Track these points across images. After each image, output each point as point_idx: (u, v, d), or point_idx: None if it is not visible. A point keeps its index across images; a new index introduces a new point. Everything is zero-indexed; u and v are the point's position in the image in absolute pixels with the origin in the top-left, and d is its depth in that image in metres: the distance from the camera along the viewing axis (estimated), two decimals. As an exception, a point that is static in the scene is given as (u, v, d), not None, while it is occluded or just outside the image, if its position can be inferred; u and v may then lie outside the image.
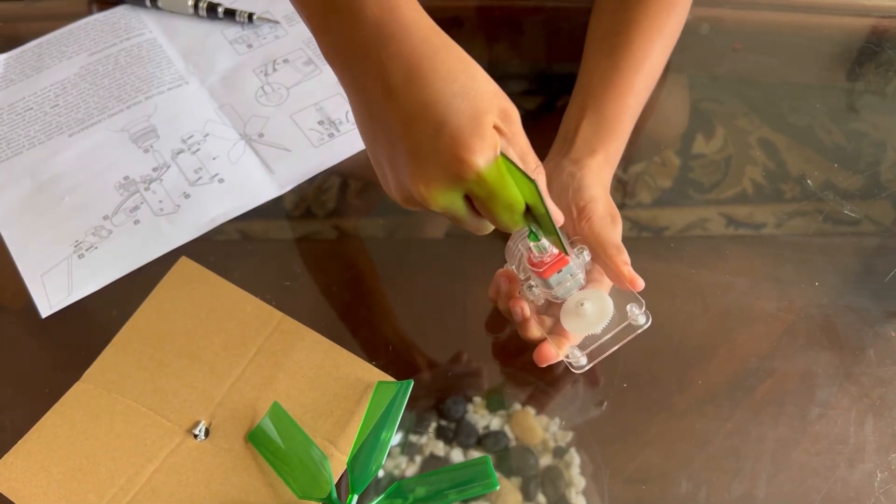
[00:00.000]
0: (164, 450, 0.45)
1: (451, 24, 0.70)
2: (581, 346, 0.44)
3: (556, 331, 0.44)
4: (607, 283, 0.45)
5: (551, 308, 0.46)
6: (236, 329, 0.49)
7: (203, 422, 0.46)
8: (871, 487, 0.44)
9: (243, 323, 0.50)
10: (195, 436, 0.45)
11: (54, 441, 0.45)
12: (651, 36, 0.53)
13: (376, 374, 0.48)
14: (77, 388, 0.47)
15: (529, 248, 0.42)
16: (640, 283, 0.42)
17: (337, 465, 0.44)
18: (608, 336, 0.43)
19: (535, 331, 0.44)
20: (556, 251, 0.42)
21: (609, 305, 0.42)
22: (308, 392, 0.47)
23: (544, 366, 0.44)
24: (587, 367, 0.43)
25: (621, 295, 0.43)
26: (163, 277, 0.52)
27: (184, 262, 0.52)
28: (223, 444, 0.45)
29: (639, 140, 0.60)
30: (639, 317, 0.43)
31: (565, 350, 0.44)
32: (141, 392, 0.47)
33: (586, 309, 0.42)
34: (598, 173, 0.47)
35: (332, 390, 0.47)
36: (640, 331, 0.43)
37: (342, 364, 0.48)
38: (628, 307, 0.43)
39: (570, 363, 0.43)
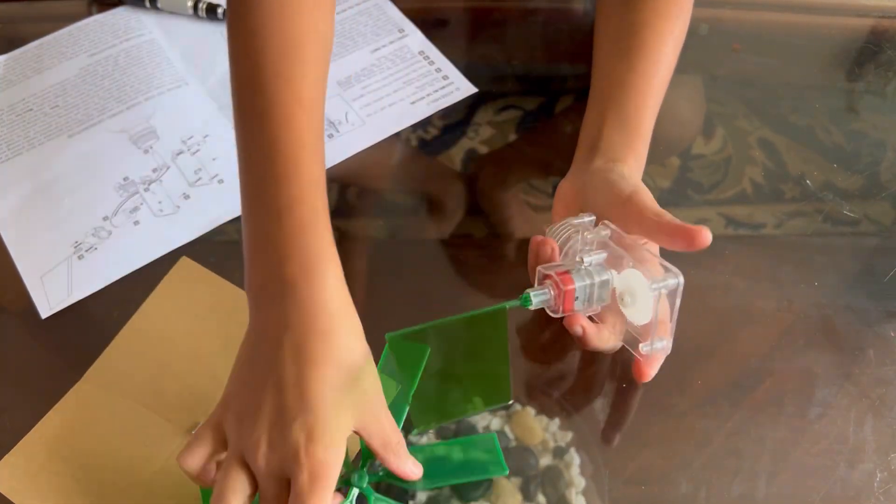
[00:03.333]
0: (165, 450, 0.45)
1: (448, 25, 0.70)
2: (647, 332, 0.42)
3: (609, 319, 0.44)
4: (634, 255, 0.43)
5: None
6: (237, 329, 0.49)
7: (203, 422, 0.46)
8: (870, 488, 0.44)
9: (244, 323, 0.49)
10: None
11: (55, 441, 0.45)
12: (664, 36, 0.53)
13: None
14: (78, 388, 0.47)
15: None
16: (705, 236, 0.39)
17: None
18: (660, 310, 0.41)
19: (601, 341, 0.43)
20: (552, 294, 0.41)
21: (643, 286, 0.41)
22: None
23: (648, 378, 0.43)
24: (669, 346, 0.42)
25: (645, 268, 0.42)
26: (163, 278, 0.52)
27: (184, 262, 0.52)
28: None
29: (650, 145, 0.60)
30: (668, 282, 0.40)
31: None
32: (142, 392, 0.47)
33: (627, 301, 0.41)
34: (631, 174, 0.47)
35: None
36: (680, 288, 0.40)
37: None
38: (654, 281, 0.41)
39: (657, 351, 0.42)
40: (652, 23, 0.53)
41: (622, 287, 0.42)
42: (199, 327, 0.49)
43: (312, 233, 0.37)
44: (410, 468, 0.38)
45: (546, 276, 0.42)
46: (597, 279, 0.42)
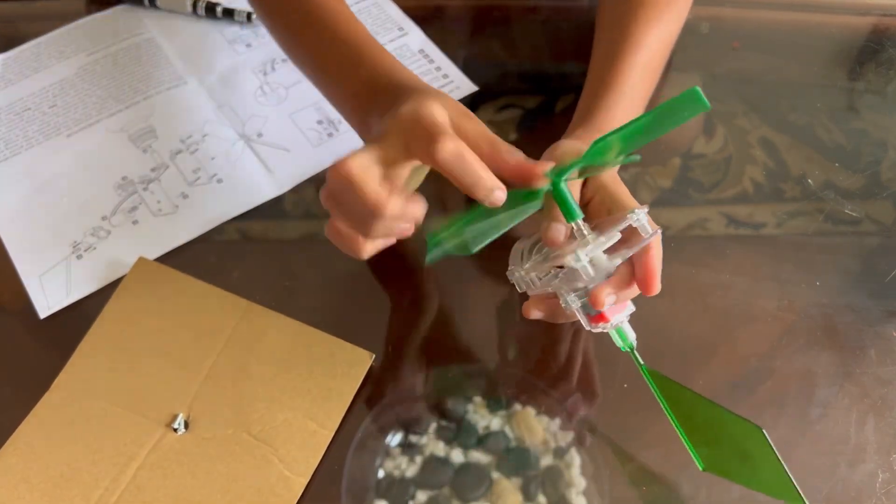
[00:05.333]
0: (145, 447, 0.45)
1: (450, 23, 0.70)
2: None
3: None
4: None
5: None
6: (203, 321, 0.50)
7: (181, 415, 0.46)
8: (872, 488, 0.44)
9: (209, 315, 0.50)
10: (175, 430, 0.45)
11: (31, 452, 0.45)
12: (648, 22, 0.53)
13: (348, 349, 0.48)
14: (47, 397, 0.47)
15: (579, 308, 0.41)
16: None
17: (320, 441, 0.45)
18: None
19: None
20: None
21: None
22: (283, 374, 0.47)
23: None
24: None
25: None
26: (122, 280, 0.51)
27: (142, 262, 0.52)
28: (205, 434, 0.45)
29: (650, 144, 0.59)
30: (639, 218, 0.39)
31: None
32: (115, 393, 0.47)
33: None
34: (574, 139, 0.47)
35: (306, 369, 0.47)
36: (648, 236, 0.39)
37: (314, 343, 0.48)
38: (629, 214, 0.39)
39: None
40: (637, 12, 0.53)
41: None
42: (165, 323, 0.49)
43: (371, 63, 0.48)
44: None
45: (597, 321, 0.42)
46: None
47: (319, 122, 0.61)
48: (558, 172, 0.39)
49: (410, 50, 0.66)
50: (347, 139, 0.60)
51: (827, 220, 0.56)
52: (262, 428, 0.45)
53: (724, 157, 0.60)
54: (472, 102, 0.62)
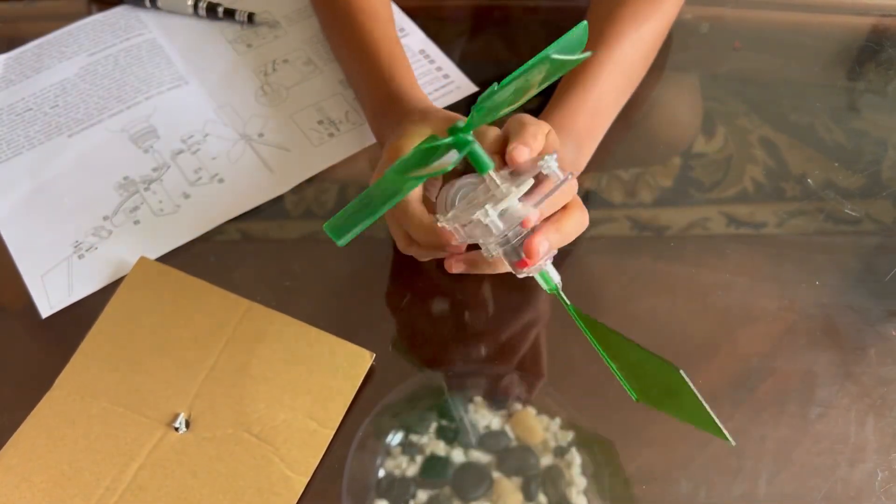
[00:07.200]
0: (146, 446, 0.45)
1: (450, 23, 0.70)
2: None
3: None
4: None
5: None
6: (204, 321, 0.50)
7: (182, 414, 0.46)
8: (871, 487, 0.44)
9: (210, 314, 0.50)
10: (176, 429, 0.46)
11: (33, 451, 0.45)
12: (625, 21, 0.54)
13: (349, 349, 0.48)
14: (49, 396, 0.47)
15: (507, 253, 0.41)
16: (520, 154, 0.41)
17: (320, 440, 0.45)
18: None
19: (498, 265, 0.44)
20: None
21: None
22: (284, 373, 0.47)
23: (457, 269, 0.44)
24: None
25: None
26: (123, 279, 0.52)
27: (143, 261, 0.52)
28: (205, 434, 0.45)
29: (650, 143, 0.60)
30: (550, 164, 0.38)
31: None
32: (116, 393, 0.47)
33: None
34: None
35: (307, 368, 0.48)
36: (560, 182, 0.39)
37: (314, 343, 0.49)
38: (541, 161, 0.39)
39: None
40: (615, 17, 0.54)
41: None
42: (166, 323, 0.50)
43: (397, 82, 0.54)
44: None
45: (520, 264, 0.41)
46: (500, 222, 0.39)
47: (320, 122, 0.61)
48: (464, 129, 0.39)
49: (411, 50, 0.66)
50: (348, 139, 0.60)
51: (827, 219, 0.56)
52: (263, 427, 0.46)
53: (724, 157, 0.60)
54: (472, 103, 0.62)
